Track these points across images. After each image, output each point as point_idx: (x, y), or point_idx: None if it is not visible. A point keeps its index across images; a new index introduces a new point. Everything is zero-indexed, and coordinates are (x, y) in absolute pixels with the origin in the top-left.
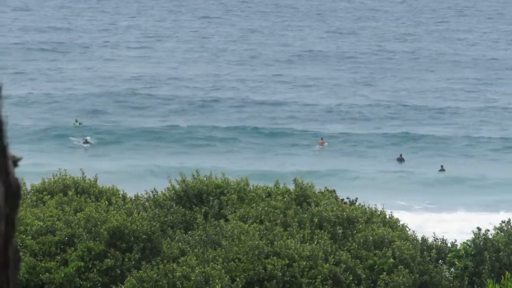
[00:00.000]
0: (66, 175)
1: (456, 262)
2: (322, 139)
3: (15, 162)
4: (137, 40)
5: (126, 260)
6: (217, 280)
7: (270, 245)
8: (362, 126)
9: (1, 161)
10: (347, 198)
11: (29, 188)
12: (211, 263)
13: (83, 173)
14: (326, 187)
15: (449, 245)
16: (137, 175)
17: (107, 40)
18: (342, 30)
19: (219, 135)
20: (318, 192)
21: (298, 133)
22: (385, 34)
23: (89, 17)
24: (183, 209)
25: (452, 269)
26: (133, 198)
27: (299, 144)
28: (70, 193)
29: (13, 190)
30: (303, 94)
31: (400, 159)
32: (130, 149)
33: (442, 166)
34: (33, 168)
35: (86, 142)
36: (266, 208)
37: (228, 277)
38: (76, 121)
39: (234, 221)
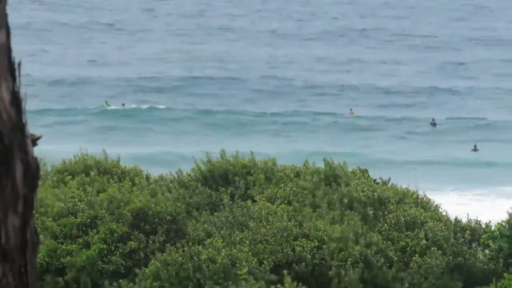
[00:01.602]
0: (87, 155)
1: (491, 244)
2: (351, 109)
3: (34, 141)
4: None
5: (150, 242)
6: (244, 263)
7: (298, 226)
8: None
9: (19, 139)
10: (380, 178)
11: (49, 169)
12: (238, 245)
13: (106, 153)
14: (358, 166)
15: (483, 226)
16: (164, 160)
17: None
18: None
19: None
20: (350, 172)
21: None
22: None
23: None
24: (209, 190)
25: (486, 251)
26: (157, 178)
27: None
28: (92, 173)
29: (32, 170)
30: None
31: (433, 123)
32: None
33: (475, 146)
34: (55, 148)
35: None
36: (294, 189)
37: (255, 259)
38: (106, 102)
39: (262, 202)
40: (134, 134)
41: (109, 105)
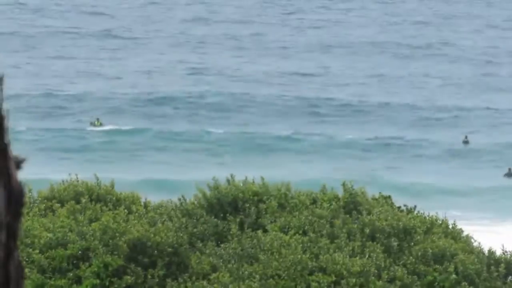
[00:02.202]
0: (78, 181)
1: None
2: None
3: (18, 164)
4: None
5: (149, 277)
6: None
7: (314, 259)
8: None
9: (1, 162)
10: (404, 205)
11: (36, 195)
12: (247, 281)
13: (98, 179)
14: (380, 192)
15: None
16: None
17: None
18: None
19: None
20: (372, 199)
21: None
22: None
23: None
24: (215, 219)
25: None
26: (157, 206)
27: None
28: (83, 200)
29: (16, 196)
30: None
31: (466, 141)
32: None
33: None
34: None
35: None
36: (310, 217)
37: None
38: (98, 120)
39: (274, 232)
40: (128, 157)
41: (101, 124)
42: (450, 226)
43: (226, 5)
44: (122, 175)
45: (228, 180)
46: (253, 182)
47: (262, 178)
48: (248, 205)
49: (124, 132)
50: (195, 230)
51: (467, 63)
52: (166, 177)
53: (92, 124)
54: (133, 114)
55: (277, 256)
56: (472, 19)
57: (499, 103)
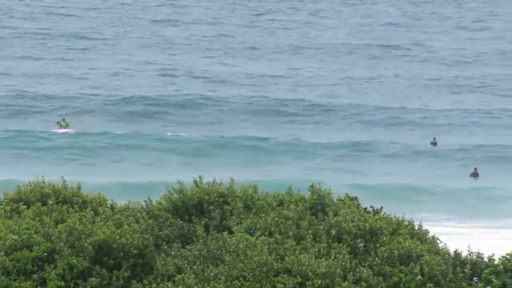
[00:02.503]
0: (44, 182)
1: (494, 279)
2: None
3: None
4: None
5: (114, 279)
6: None
7: (280, 260)
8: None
9: None
10: (371, 206)
11: (2, 197)
12: (212, 282)
13: (64, 181)
14: (347, 193)
15: (485, 259)
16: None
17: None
18: None
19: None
20: (337, 200)
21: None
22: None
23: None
24: (181, 222)
25: (488, 287)
26: (123, 208)
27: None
28: (50, 202)
29: None
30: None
31: (434, 143)
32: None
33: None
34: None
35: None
36: (276, 219)
37: None
38: (64, 120)
39: (240, 234)
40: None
41: (67, 124)
42: (416, 227)
43: (196, 7)
44: (88, 178)
45: (195, 181)
46: (221, 183)
47: (232, 179)
48: (213, 207)
49: (91, 134)
50: (160, 232)
51: (436, 64)
52: (133, 179)
53: (58, 123)
54: (101, 115)
55: (242, 258)
56: (441, 20)
57: (468, 104)
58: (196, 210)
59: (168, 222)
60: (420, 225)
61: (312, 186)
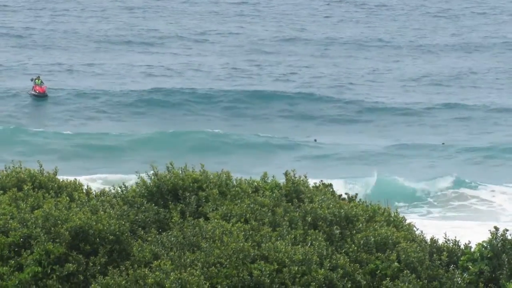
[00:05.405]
0: (20, 168)
1: (470, 267)
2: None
3: None
4: None
5: (91, 264)
6: None
7: (256, 247)
8: None
9: None
10: (346, 193)
11: None
12: (189, 268)
13: (41, 166)
14: (322, 180)
15: (462, 247)
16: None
17: None
18: None
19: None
20: (313, 187)
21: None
22: None
23: None
24: (156, 207)
25: (465, 275)
26: (99, 193)
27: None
28: (25, 187)
29: None
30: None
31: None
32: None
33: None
34: None
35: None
36: (252, 205)
37: (208, 284)
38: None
39: (215, 220)
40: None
41: (41, 82)
42: (393, 215)
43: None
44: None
45: (167, 167)
46: (193, 170)
47: (202, 165)
48: (188, 193)
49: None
50: (136, 218)
51: None
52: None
53: (33, 81)
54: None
55: (219, 244)
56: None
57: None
58: (171, 196)
59: (144, 207)
60: (396, 212)
61: (286, 173)
